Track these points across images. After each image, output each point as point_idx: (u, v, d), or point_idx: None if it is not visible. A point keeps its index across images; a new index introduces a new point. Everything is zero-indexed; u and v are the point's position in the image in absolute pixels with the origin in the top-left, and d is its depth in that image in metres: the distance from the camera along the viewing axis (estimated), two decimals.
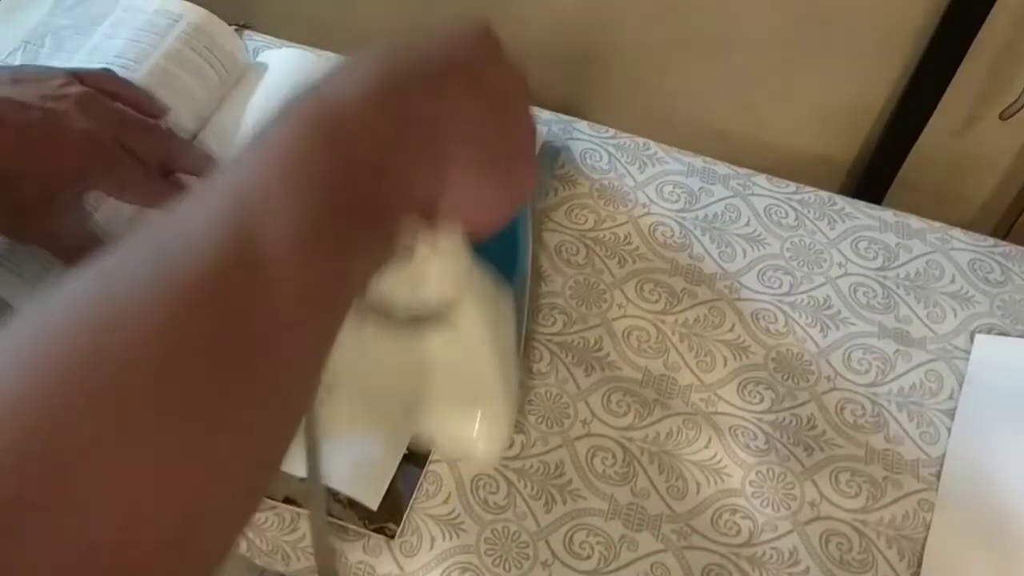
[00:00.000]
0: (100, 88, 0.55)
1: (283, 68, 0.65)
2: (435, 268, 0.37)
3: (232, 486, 0.25)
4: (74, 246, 0.53)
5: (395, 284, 0.38)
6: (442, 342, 0.40)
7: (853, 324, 0.55)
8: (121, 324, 0.24)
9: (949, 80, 0.80)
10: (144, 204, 0.57)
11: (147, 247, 0.26)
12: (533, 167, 0.41)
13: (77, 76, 0.55)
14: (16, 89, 0.52)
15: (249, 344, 0.26)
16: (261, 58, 0.66)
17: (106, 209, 0.56)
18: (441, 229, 0.37)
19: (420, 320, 0.39)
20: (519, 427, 0.51)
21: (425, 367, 0.41)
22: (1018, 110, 0.78)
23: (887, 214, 0.59)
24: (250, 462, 0.26)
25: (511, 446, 0.51)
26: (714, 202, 0.60)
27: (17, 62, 0.65)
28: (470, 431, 0.43)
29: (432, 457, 0.50)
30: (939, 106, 0.82)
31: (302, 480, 0.39)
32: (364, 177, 0.30)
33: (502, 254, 0.46)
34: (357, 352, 0.39)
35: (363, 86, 0.32)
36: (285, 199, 0.28)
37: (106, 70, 0.58)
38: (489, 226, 0.39)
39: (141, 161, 0.55)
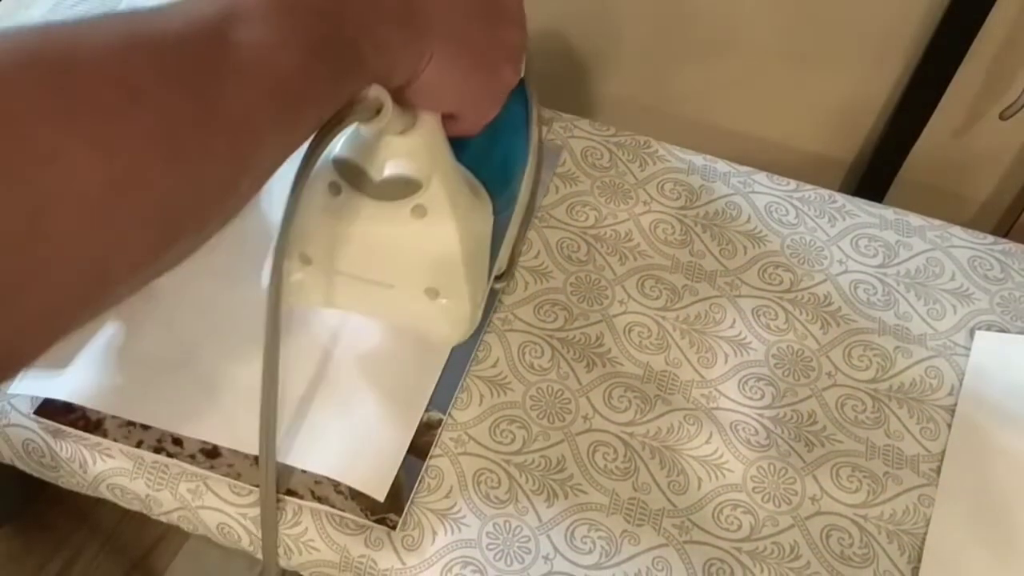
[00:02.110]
0: None
1: None
2: (409, 143, 0.40)
3: (153, 200, 0.26)
4: None
5: (369, 153, 0.40)
6: (409, 220, 0.42)
7: (853, 321, 0.55)
8: (85, 48, 0.25)
9: (949, 80, 0.80)
10: None
11: (119, 17, 0.28)
12: (516, 69, 0.43)
13: None
14: None
15: (207, 99, 0.27)
16: None
17: None
18: (418, 107, 0.39)
19: (390, 194, 0.41)
20: (521, 423, 0.51)
21: (391, 243, 0.43)
22: (1018, 110, 0.78)
23: (887, 212, 0.60)
24: (182, 189, 0.27)
25: (512, 440, 0.51)
26: (715, 199, 0.60)
27: None
28: (430, 313, 0.45)
29: (434, 451, 0.50)
30: (939, 106, 0.82)
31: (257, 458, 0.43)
32: (342, 21, 0.32)
33: (493, 171, 0.48)
34: (329, 220, 0.42)
35: None
36: (268, 10, 0.30)
37: None
38: (468, 118, 0.42)
39: None
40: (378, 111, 0.36)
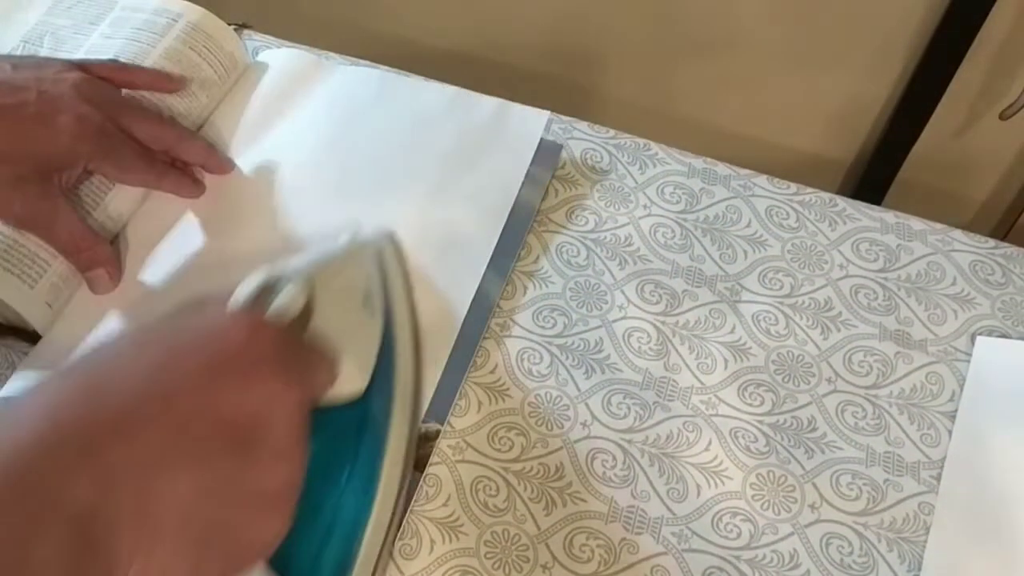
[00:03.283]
0: (103, 78, 0.55)
1: (282, 68, 0.65)
2: None
3: None
4: (68, 235, 0.53)
5: None
6: None
7: (854, 326, 0.55)
8: None
9: (949, 80, 0.80)
10: (147, 185, 0.57)
11: None
12: (283, 520, 0.32)
13: (80, 66, 0.55)
14: (14, 73, 0.52)
15: None
16: (260, 58, 0.66)
17: (106, 203, 0.56)
18: None
19: None
20: (519, 430, 0.51)
21: None
22: (1018, 110, 0.78)
23: (888, 215, 0.59)
24: None
25: (511, 448, 0.50)
26: (715, 203, 0.60)
27: None
28: None
29: (432, 460, 0.50)
30: (939, 106, 0.82)
31: None
32: None
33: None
34: None
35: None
36: None
37: (113, 60, 0.58)
38: None
39: (142, 144, 0.56)
40: None
